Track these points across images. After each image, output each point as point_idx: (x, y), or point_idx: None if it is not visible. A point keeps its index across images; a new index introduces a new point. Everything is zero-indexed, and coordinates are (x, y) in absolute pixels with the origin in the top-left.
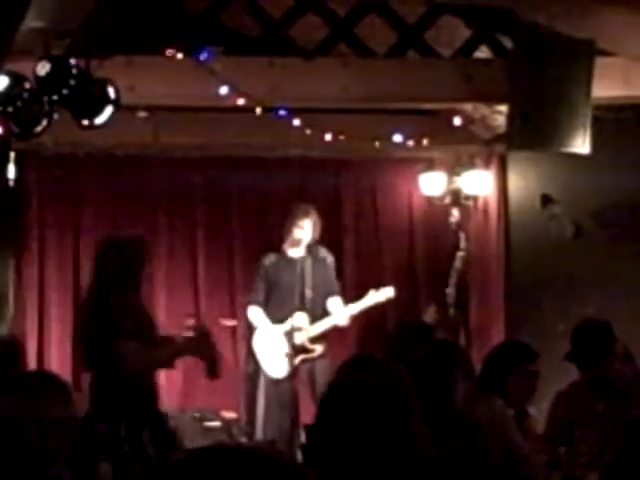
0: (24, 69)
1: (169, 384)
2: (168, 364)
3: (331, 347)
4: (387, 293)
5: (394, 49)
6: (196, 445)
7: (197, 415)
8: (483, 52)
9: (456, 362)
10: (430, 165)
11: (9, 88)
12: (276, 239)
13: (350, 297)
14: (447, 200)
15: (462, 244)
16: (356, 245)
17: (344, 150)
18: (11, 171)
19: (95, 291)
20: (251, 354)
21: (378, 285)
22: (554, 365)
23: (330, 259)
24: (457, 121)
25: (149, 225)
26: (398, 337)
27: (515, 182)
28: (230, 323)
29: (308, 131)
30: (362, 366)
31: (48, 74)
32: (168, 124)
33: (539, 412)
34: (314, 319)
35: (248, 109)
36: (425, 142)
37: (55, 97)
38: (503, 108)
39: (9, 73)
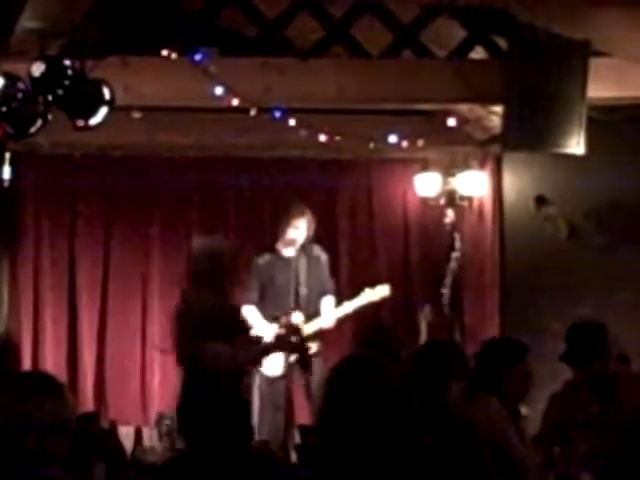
0: (19, 70)
1: (165, 385)
2: (256, 362)
3: (326, 346)
4: (382, 292)
5: (389, 50)
6: None
7: None
8: (478, 53)
9: (450, 362)
10: (425, 166)
11: (4, 88)
12: (271, 239)
13: (345, 298)
14: (442, 201)
15: (457, 245)
16: (351, 245)
17: (339, 151)
18: (6, 172)
19: (190, 293)
20: None
21: (373, 285)
22: (549, 365)
23: (324, 257)
24: (452, 122)
25: (144, 225)
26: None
27: (510, 183)
28: None
29: (303, 132)
30: (357, 367)
31: (43, 74)
32: (163, 125)
33: (534, 412)
34: (309, 318)
35: (243, 109)
36: (420, 143)
37: (50, 97)
38: (498, 109)
39: (4, 74)
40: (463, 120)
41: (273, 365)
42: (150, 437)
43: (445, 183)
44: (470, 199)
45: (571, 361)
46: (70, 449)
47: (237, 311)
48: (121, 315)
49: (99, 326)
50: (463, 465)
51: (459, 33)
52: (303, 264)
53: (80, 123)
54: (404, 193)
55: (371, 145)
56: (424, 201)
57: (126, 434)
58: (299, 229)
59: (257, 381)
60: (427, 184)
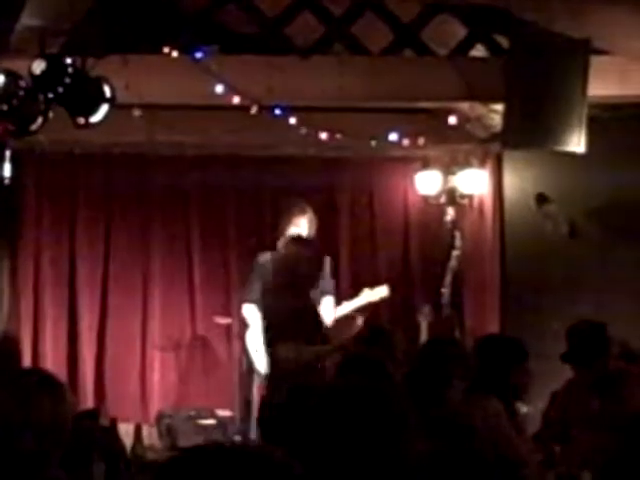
0: (20, 67)
1: (164, 383)
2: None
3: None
4: (381, 292)
5: (390, 48)
6: (191, 443)
7: (192, 413)
8: (479, 51)
9: (452, 362)
10: (426, 164)
11: (5, 86)
12: (271, 237)
13: (345, 295)
14: (443, 199)
15: (457, 243)
16: (351, 243)
17: (340, 149)
18: (7, 169)
19: (279, 288)
20: (245, 352)
21: (373, 284)
22: (550, 364)
23: (325, 257)
24: (453, 120)
25: (144, 223)
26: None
27: (510, 181)
28: (224, 321)
29: (304, 130)
30: (354, 368)
31: (44, 72)
32: (163, 123)
33: (534, 411)
34: None
35: (244, 108)
36: (421, 141)
37: (51, 95)
38: (499, 107)
39: (5, 71)
40: (464, 118)
41: None
42: (150, 434)
43: (446, 181)
44: (471, 197)
45: (571, 361)
46: (70, 447)
47: (316, 309)
48: (121, 313)
49: (99, 324)
50: (464, 464)
51: (460, 31)
52: None
53: (81, 121)
54: (405, 191)
55: (372, 143)
56: (425, 199)
57: (126, 432)
58: (300, 227)
59: (256, 380)
60: (428, 182)
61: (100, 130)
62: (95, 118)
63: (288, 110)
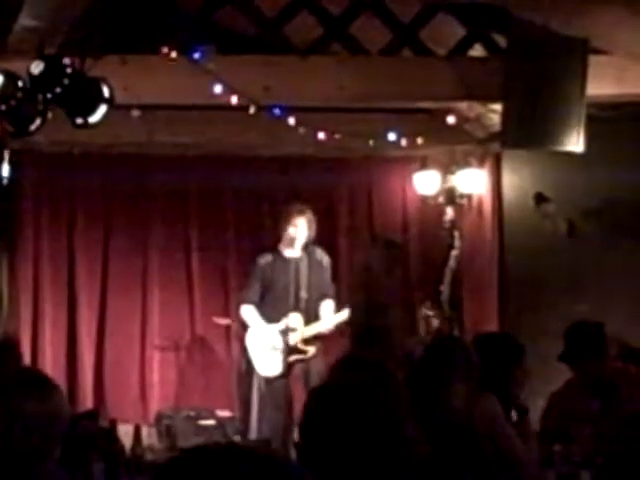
0: (18, 68)
1: (164, 383)
2: None
3: (326, 346)
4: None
5: (389, 48)
6: (190, 444)
7: (192, 414)
8: (478, 51)
9: (454, 362)
10: (424, 164)
11: (3, 87)
12: (270, 238)
13: (344, 296)
14: (441, 199)
15: (456, 243)
16: (350, 243)
17: (338, 149)
18: (5, 170)
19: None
20: (244, 353)
21: None
22: (549, 364)
23: (326, 260)
24: (451, 120)
25: (143, 223)
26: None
27: (509, 181)
28: (224, 322)
29: (302, 130)
30: (352, 367)
31: (42, 73)
32: (162, 123)
33: (534, 411)
34: (308, 320)
35: (242, 108)
36: (419, 141)
37: (49, 96)
38: (497, 107)
39: (3, 72)
40: (462, 118)
41: (270, 366)
42: (149, 435)
43: (444, 181)
44: (469, 197)
45: (569, 361)
46: (69, 447)
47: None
48: (120, 313)
49: (98, 324)
50: (464, 463)
51: (458, 31)
52: (305, 266)
53: (79, 121)
54: (403, 191)
55: (370, 143)
56: (423, 199)
57: (125, 432)
58: (299, 227)
59: (256, 381)
60: (426, 182)
61: (98, 130)
62: (94, 119)
63: (287, 110)
